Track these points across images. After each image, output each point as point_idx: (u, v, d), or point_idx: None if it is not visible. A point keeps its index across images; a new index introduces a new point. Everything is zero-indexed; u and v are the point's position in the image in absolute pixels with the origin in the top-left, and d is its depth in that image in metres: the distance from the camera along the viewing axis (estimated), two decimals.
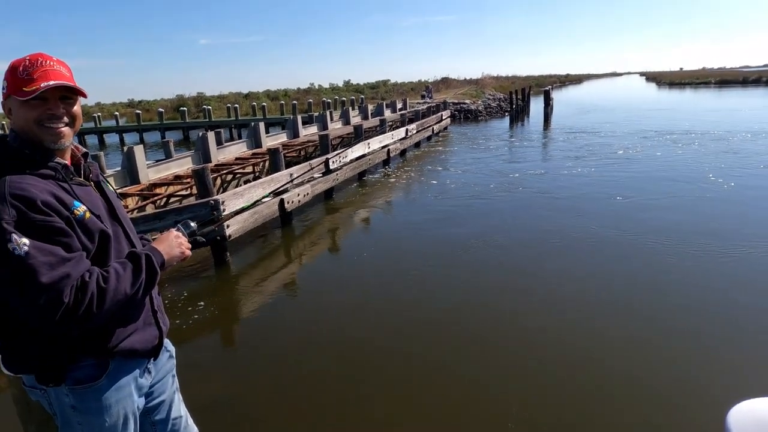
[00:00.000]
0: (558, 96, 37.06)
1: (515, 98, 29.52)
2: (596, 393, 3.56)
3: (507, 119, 27.46)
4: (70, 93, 1.42)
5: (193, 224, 1.67)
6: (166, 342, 1.77)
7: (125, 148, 9.71)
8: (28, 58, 1.39)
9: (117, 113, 34.44)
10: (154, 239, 1.62)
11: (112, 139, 30.92)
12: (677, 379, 3.66)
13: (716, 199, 8.58)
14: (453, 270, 6.10)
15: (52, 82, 1.36)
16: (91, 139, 30.06)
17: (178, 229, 1.64)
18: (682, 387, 3.57)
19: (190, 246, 1.62)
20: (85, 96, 1.45)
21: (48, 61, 1.40)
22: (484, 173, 12.33)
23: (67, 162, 1.46)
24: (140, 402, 1.59)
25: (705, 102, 31.82)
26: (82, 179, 1.48)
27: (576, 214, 8.26)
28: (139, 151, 9.46)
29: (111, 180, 8.21)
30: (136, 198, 8.61)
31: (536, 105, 32.52)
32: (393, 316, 5.00)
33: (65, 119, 1.41)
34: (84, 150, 1.56)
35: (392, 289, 5.70)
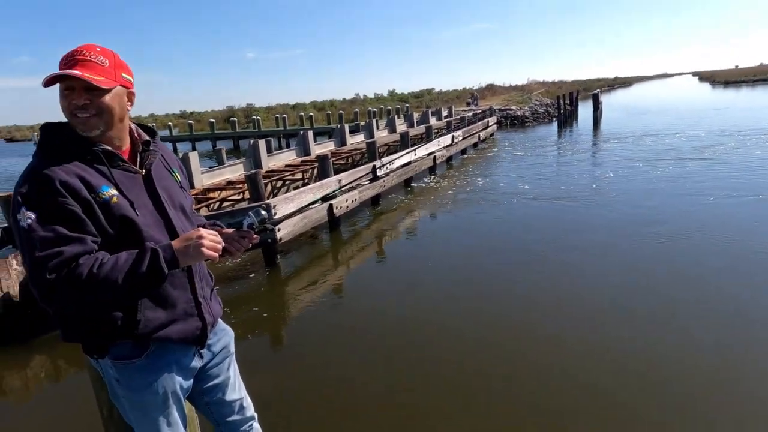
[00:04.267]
0: (607, 99, 35.71)
1: (563, 103, 28.74)
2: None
3: (555, 124, 26.78)
4: (93, 84, 1.38)
5: (264, 212, 1.65)
6: (225, 327, 1.81)
7: (180, 155, 10.16)
8: (75, 48, 1.42)
9: (170, 123, 36.25)
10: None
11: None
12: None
13: None
14: (514, 283, 5.69)
15: (56, 72, 1.35)
16: None
17: (248, 217, 1.63)
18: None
19: (219, 247, 1.47)
20: (98, 87, 1.37)
21: (84, 51, 1.39)
22: (536, 178, 12.03)
23: (123, 149, 1.51)
24: (187, 384, 1.63)
25: None
26: (129, 165, 1.50)
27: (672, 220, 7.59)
28: (193, 158, 9.89)
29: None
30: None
31: (584, 109, 31.52)
32: (442, 327, 4.77)
33: (91, 110, 1.40)
34: (146, 138, 1.58)
35: (442, 297, 5.51)
